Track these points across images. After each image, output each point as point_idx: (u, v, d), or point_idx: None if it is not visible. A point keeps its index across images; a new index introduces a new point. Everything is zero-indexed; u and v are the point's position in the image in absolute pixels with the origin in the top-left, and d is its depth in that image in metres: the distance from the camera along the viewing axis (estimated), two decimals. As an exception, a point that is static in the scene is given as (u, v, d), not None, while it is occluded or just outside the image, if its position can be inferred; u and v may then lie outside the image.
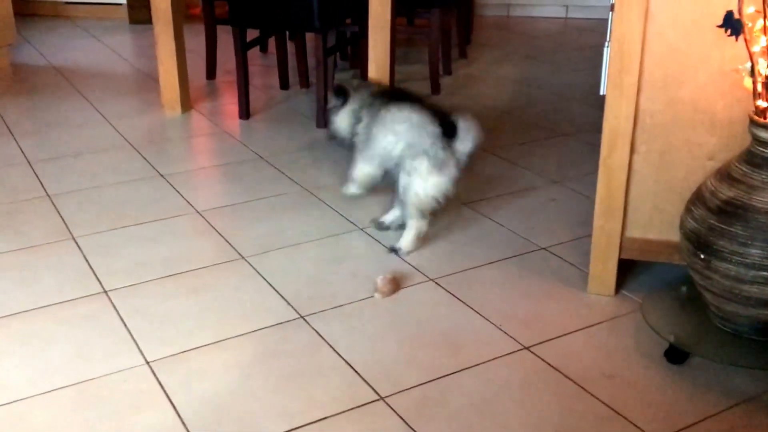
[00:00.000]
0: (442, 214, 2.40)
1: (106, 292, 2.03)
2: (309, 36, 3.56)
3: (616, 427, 1.55)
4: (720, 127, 1.79)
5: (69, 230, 2.35)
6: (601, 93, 1.87)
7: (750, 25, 1.56)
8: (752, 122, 1.60)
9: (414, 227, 2.19)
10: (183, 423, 1.56)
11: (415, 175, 2.12)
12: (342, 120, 2.34)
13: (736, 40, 1.58)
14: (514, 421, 1.56)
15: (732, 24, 1.57)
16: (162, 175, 2.74)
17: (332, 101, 2.36)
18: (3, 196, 2.59)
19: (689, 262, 1.70)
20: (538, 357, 1.76)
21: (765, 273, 1.56)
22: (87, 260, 2.18)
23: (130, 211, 2.47)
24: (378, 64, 2.90)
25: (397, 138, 2.16)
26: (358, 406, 1.60)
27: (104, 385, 1.67)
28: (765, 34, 1.56)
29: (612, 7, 1.79)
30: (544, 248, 2.23)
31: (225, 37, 3.83)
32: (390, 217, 2.34)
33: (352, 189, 2.36)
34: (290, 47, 3.87)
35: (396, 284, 2.02)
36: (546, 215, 2.44)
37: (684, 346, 1.72)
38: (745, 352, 1.68)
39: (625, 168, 1.87)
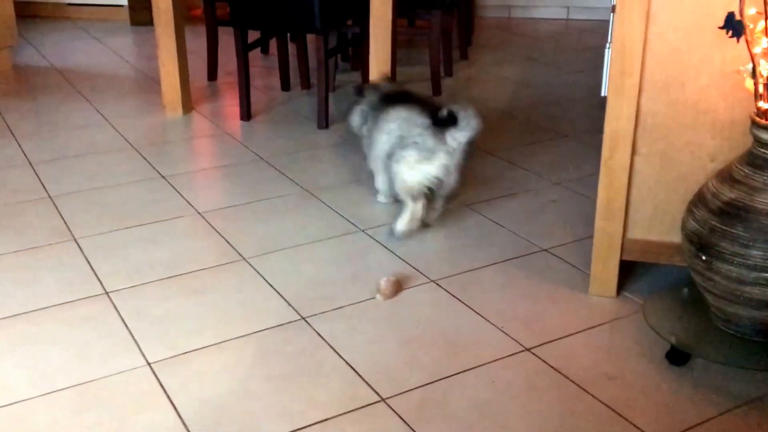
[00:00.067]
0: (444, 216, 2.41)
1: (107, 293, 2.03)
2: (310, 37, 3.56)
3: (617, 429, 1.54)
4: (721, 129, 1.79)
5: (70, 231, 2.35)
6: (603, 94, 1.87)
7: (751, 26, 1.56)
8: (753, 124, 1.59)
9: (408, 210, 2.26)
10: (184, 424, 1.56)
11: (402, 163, 2.21)
12: (354, 118, 2.51)
13: (738, 41, 1.58)
14: (516, 423, 1.56)
15: (733, 25, 1.57)
16: (163, 177, 2.75)
17: (352, 97, 2.52)
18: (4, 197, 2.59)
19: (691, 263, 1.70)
20: (540, 358, 1.75)
21: (766, 274, 1.56)
22: (88, 261, 2.18)
23: (131, 213, 2.47)
24: (379, 65, 2.90)
25: (389, 136, 2.26)
26: (359, 408, 1.60)
27: (105, 387, 1.67)
28: (766, 35, 1.56)
29: (613, 9, 1.79)
30: (545, 249, 2.23)
31: (226, 39, 3.84)
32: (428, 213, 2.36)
33: (381, 198, 2.50)
34: (291, 48, 3.87)
35: (398, 286, 2.02)
36: (547, 216, 2.44)
37: (685, 347, 1.72)
38: (747, 353, 1.68)
39: (627, 169, 1.86)
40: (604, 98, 1.84)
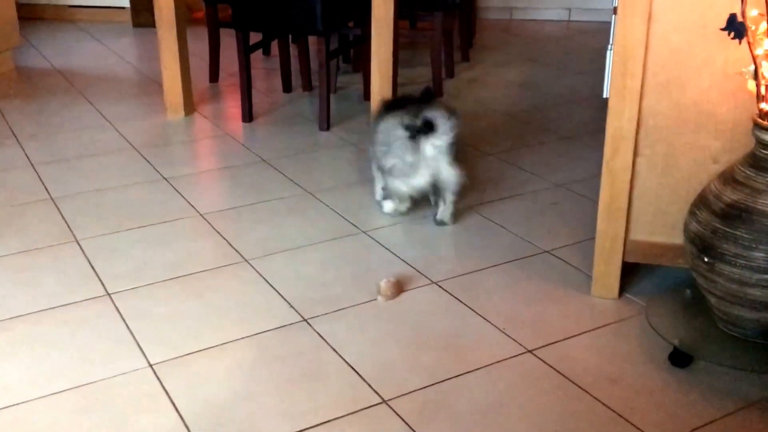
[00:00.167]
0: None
1: (108, 294, 2.03)
2: (312, 39, 3.56)
3: (619, 431, 1.54)
4: (723, 130, 1.79)
5: (72, 233, 2.35)
6: (604, 96, 1.87)
7: (753, 28, 1.56)
8: (756, 125, 1.59)
9: (391, 201, 2.41)
10: (185, 426, 1.56)
11: (390, 176, 2.33)
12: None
13: (740, 43, 1.58)
14: (518, 425, 1.56)
15: (735, 27, 1.57)
16: (165, 178, 2.75)
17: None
18: (6, 198, 2.60)
19: (693, 265, 1.69)
20: (542, 360, 1.75)
21: (769, 276, 1.55)
22: (90, 263, 2.18)
23: (133, 214, 2.47)
24: (380, 67, 2.90)
25: (379, 147, 2.35)
26: (361, 409, 1.60)
27: (107, 388, 1.67)
28: (769, 36, 1.56)
29: (615, 11, 1.79)
30: (547, 251, 2.23)
31: (228, 41, 3.84)
32: (439, 211, 2.38)
33: (386, 209, 2.48)
34: (293, 50, 3.88)
35: (399, 287, 2.01)
36: (549, 218, 2.44)
37: (688, 349, 1.71)
38: (750, 355, 1.67)
39: (629, 171, 1.86)
40: (606, 100, 1.84)
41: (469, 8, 4.31)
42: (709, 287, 1.67)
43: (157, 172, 2.80)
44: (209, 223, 2.42)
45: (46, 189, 2.66)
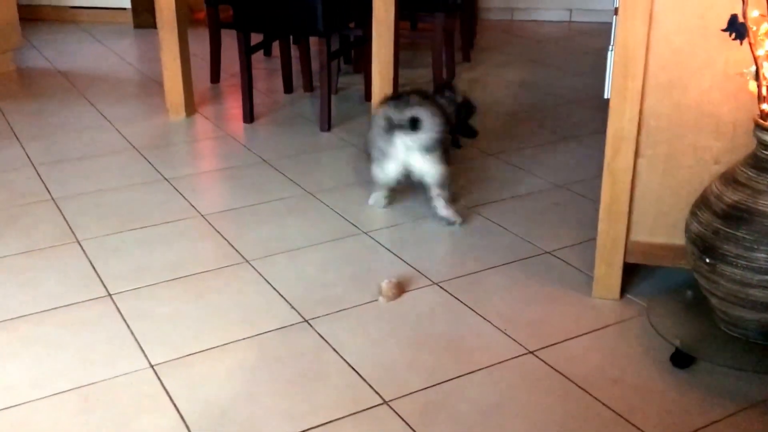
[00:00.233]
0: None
1: (110, 295, 2.03)
2: (313, 40, 3.56)
3: (621, 432, 1.54)
4: (725, 131, 1.79)
5: (73, 233, 2.36)
6: (606, 97, 1.86)
7: (754, 28, 1.56)
8: (757, 126, 1.59)
9: (376, 191, 2.51)
10: (187, 426, 1.56)
11: (372, 161, 2.45)
12: None
13: (741, 43, 1.58)
14: (519, 426, 1.56)
15: (736, 28, 1.57)
16: (166, 179, 2.75)
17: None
18: (8, 199, 2.60)
19: (695, 266, 1.69)
20: (543, 361, 1.75)
21: (770, 277, 1.55)
22: (91, 263, 2.18)
23: (134, 215, 2.47)
24: (382, 67, 2.90)
25: (370, 134, 2.46)
26: (362, 410, 1.60)
27: (108, 389, 1.67)
28: (770, 37, 1.56)
29: (616, 11, 1.79)
30: (548, 252, 2.23)
31: (229, 41, 3.85)
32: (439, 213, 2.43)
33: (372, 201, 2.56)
34: (294, 51, 3.88)
35: (400, 288, 2.01)
36: (550, 219, 2.44)
37: (690, 350, 1.71)
38: (752, 356, 1.67)
39: (630, 172, 1.86)
40: (607, 100, 1.84)
41: (470, 9, 4.31)
42: (711, 288, 1.66)
43: (158, 172, 2.80)
44: (210, 224, 2.42)
45: (48, 189, 2.67)
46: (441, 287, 2.05)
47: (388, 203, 2.51)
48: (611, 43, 1.82)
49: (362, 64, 3.68)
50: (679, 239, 1.83)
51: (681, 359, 1.72)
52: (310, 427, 1.56)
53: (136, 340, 1.84)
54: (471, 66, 4.19)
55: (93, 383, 1.69)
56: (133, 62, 4.34)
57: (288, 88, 3.73)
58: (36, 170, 2.83)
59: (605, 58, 1.88)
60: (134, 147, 3.05)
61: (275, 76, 3.94)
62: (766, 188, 1.57)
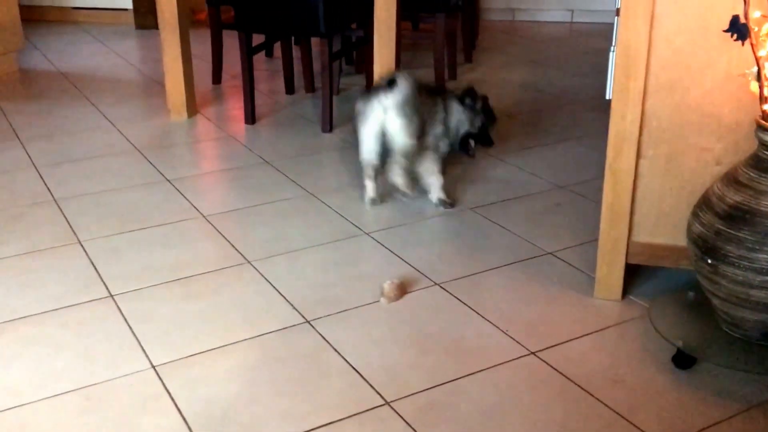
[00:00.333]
0: (447, 218, 2.40)
1: (112, 296, 2.03)
2: (314, 41, 3.57)
3: (623, 433, 1.54)
4: (727, 132, 1.79)
5: (75, 234, 2.36)
6: (607, 97, 1.86)
7: (756, 29, 1.56)
8: (759, 127, 1.59)
9: (365, 183, 2.53)
10: (188, 427, 1.56)
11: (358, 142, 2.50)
12: None
13: (743, 44, 1.58)
14: (520, 426, 1.56)
15: (738, 28, 1.57)
16: (168, 180, 2.75)
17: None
18: (9, 200, 2.60)
19: (696, 267, 1.69)
20: (545, 362, 1.75)
21: (772, 278, 1.55)
22: (93, 264, 2.18)
23: (136, 216, 2.48)
24: (383, 68, 2.90)
25: None
26: (364, 411, 1.60)
27: (110, 390, 1.67)
28: (772, 38, 1.56)
29: (617, 12, 1.79)
30: (550, 253, 2.23)
31: (231, 42, 3.84)
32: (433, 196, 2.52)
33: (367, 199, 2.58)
34: (296, 52, 3.88)
35: (402, 289, 2.01)
36: (552, 220, 2.44)
37: (692, 351, 1.71)
38: (754, 357, 1.67)
39: (632, 172, 1.86)
40: (609, 101, 1.84)
41: (471, 10, 4.31)
42: (713, 289, 1.66)
43: (160, 173, 2.81)
44: (212, 225, 2.42)
45: (49, 190, 2.67)
46: (442, 288, 2.05)
47: (380, 200, 2.52)
48: (613, 44, 1.82)
49: (364, 65, 3.68)
50: (680, 240, 1.83)
51: (683, 360, 1.71)
52: (311, 427, 1.56)
53: (137, 340, 1.84)
54: (472, 66, 4.19)
55: (94, 384, 1.69)
56: (134, 63, 4.34)
57: (289, 89, 3.73)
58: (37, 171, 2.84)
59: (607, 59, 1.88)
60: (136, 148, 3.05)
61: (277, 77, 3.94)
62: (767, 189, 1.57)
